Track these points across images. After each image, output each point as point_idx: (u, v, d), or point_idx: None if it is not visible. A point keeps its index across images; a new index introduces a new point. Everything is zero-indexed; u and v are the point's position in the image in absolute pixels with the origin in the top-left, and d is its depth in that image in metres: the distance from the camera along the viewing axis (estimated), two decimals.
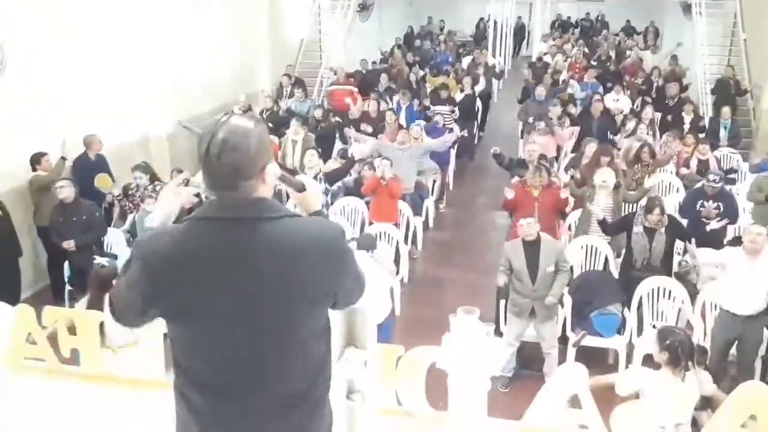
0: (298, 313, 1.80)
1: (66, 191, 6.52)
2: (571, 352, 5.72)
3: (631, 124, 9.29)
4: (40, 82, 7.22)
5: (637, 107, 11.59)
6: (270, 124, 10.04)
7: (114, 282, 4.53)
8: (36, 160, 7.08)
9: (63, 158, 7.26)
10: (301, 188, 2.08)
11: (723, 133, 10.29)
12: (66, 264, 6.57)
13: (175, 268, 1.74)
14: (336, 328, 2.49)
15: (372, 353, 2.60)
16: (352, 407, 2.58)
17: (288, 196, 6.62)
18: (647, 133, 9.22)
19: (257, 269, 1.73)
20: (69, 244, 6.41)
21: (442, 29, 21.61)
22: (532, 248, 5.44)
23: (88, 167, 7.59)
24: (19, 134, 6.91)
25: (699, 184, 7.39)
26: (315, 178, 6.82)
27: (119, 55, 8.66)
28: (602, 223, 6.45)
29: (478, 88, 12.47)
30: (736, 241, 5.98)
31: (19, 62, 6.80)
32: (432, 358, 3.18)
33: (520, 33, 21.64)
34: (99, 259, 5.16)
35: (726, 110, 10.37)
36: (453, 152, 10.50)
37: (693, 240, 5.82)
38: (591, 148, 8.20)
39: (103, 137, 7.88)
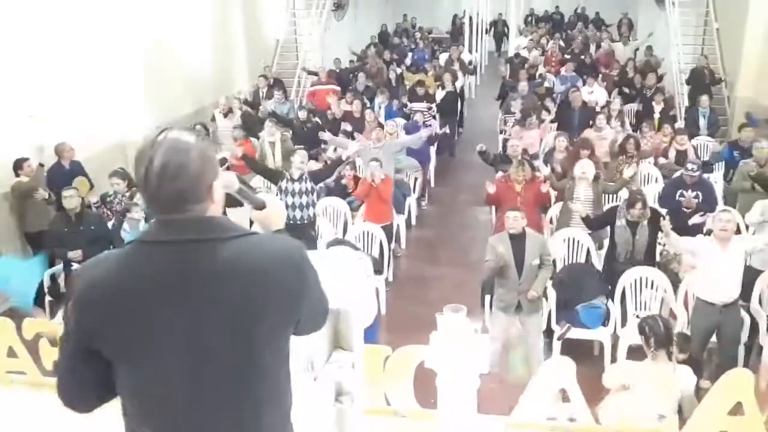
0: (259, 343, 1.62)
1: (74, 201, 6.43)
2: (557, 345, 5.75)
3: (600, 119, 9.32)
4: (17, 86, 7.14)
5: (612, 99, 11.68)
6: (247, 126, 9.99)
7: None
8: (18, 165, 7.03)
9: (41, 165, 7.17)
10: (260, 206, 1.98)
11: (702, 122, 10.38)
12: (47, 275, 6.46)
13: (115, 299, 1.56)
14: (322, 331, 2.48)
15: (359, 355, 2.59)
16: (341, 410, 2.56)
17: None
18: (613, 124, 9.28)
19: (209, 296, 1.57)
20: (76, 254, 6.27)
21: (413, 26, 21.64)
22: (517, 242, 5.45)
23: (61, 175, 7.49)
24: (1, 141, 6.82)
25: (677, 174, 7.45)
26: (300, 178, 6.76)
27: (96, 59, 8.58)
28: (586, 220, 6.48)
29: (459, 83, 12.49)
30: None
31: None
32: (419, 357, 3.17)
33: (501, 29, 21.42)
34: (77, 266, 5.08)
35: (705, 99, 10.47)
36: (433, 149, 10.50)
37: (667, 218, 5.83)
38: (561, 142, 8.25)
39: (81, 143, 7.80)
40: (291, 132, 9.80)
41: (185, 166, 1.56)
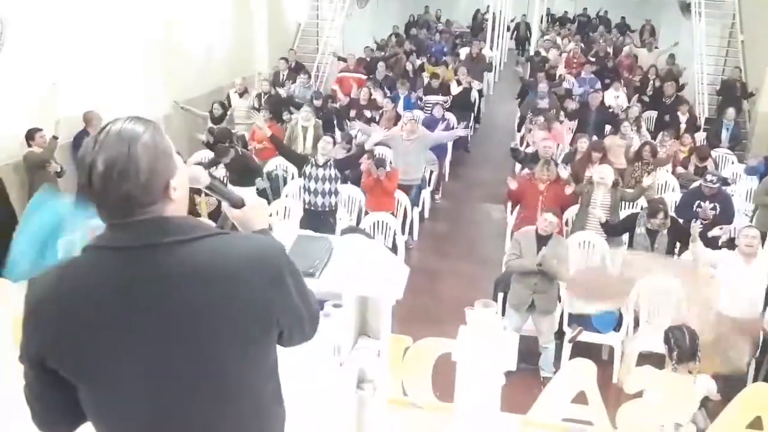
0: (232, 354, 1.45)
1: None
2: (567, 347, 5.73)
3: (626, 125, 9.28)
4: (36, 60, 7.11)
5: (632, 105, 11.63)
6: (267, 108, 9.97)
7: None
8: (30, 136, 6.95)
9: (55, 137, 7.14)
10: (238, 203, 1.78)
11: (725, 135, 10.31)
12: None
13: (61, 314, 1.40)
14: (349, 317, 2.48)
15: (385, 343, 2.58)
16: (363, 397, 2.56)
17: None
18: (632, 131, 9.24)
19: (165, 306, 1.40)
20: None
21: (438, 18, 21.51)
22: (542, 242, 5.47)
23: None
24: (16, 111, 6.79)
25: (696, 184, 7.41)
26: (326, 164, 6.73)
27: (115, 36, 8.53)
28: (605, 226, 6.46)
29: (477, 87, 12.35)
30: (731, 242, 6.01)
31: (17, 39, 6.66)
32: (440, 349, 3.17)
33: (524, 32, 20.56)
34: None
35: (731, 112, 10.38)
36: (450, 144, 10.47)
37: (696, 223, 5.81)
38: (583, 144, 8.22)
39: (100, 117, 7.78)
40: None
41: (132, 167, 1.36)
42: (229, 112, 10.11)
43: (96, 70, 8.04)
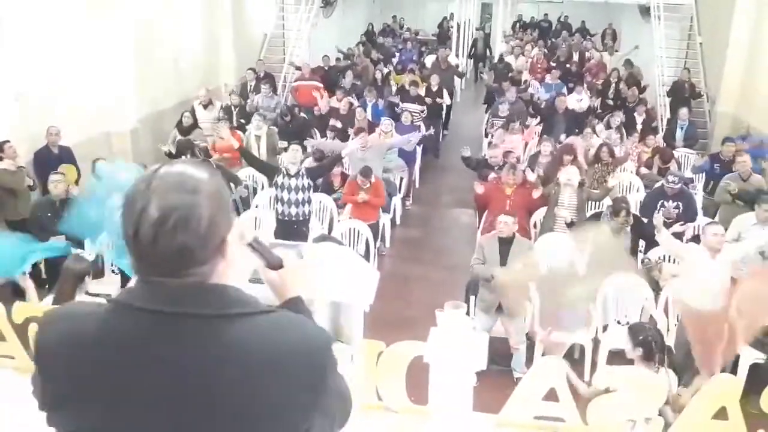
0: None
1: (60, 186, 6.30)
2: (539, 347, 5.80)
3: (600, 128, 9.51)
4: (3, 73, 7.03)
5: (596, 108, 11.86)
6: (242, 120, 9.99)
7: (86, 279, 4.40)
8: None
9: (21, 167, 7.02)
10: (276, 264, 1.60)
11: (679, 134, 10.60)
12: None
13: (84, 366, 1.24)
14: (322, 324, 2.51)
15: (358, 348, 2.61)
16: None
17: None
18: (616, 137, 9.48)
19: (195, 390, 1.21)
20: (59, 239, 6.18)
21: (401, 27, 21.66)
22: (505, 246, 5.53)
23: (49, 159, 7.40)
24: None
25: (659, 184, 7.58)
26: (297, 174, 6.72)
27: (84, 48, 8.49)
28: (570, 225, 6.58)
29: (447, 101, 12.35)
30: (695, 240, 6.16)
31: None
32: (413, 353, 3.20)
33: (483, 50, 19.36)
34: (76, 251, 5.00)
35: (683, 111, 10.69)
36: (419, 150, 10.56)
37: (660, 213, 5.97)
38: (546, 147, 8.38)
39: (66, 130, 7.70)
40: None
41: (193, 217, 1.20)
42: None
43: (61, 84, 7.97)
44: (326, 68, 13.63)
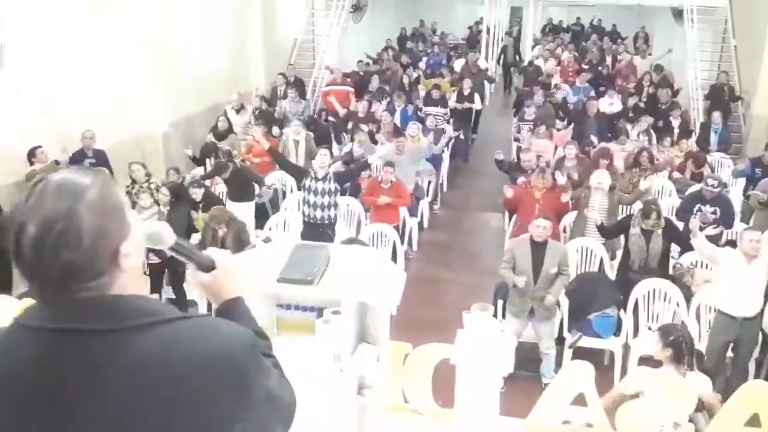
0: None
1: None
2: (568, 353, 5.75)
3: (633, 133, 9.43)
4: (37, 79, 7.21)
5: (628, 111, 11.73)
6: (260, 121, 10.10)
7: None
8: (32, 153, 7.09)
9: (57, 162, 7.19)
10: (207, 266, 1.48)
11: (713, 138, 10.42)
12: None
13: None
14: (348, 324, 2.51)
15: (384, 349, 2.61)
16: (363, 403, 2.59)
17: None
18: (644, 139, 9.37)
19: (91, 412, 1.10)
20: None
21: (434, 31, 21.65)
22: (538, 249, 5.51)
23: (84, 162, 7.56)
24: (17, 130, 6.86)
25: (696, 188, 7.48)
26: (325, 178, 6.76)
27: (113, 56, 8.65)
28: (600, 228, 6.51)
29: (477, 105, 12.32)
30: (731, 245, 6.06)
31: (18, 58, 6.74)
32: (440, 355, 3.21)
33: (513, 58, 19.04)
34: None
35: (716, 115, 10.50)
36: (447, 154, 10.55)
37: (697, 216, 5.90)
38: (571, 150, 8.32)
39: (98, 136, 7.86)
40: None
41: (73, 233, 1.09)
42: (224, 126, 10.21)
43: (94, 89, 8.13)
44: (361, 73, 13.70)
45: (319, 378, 2.45)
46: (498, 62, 18.11)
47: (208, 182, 7.69)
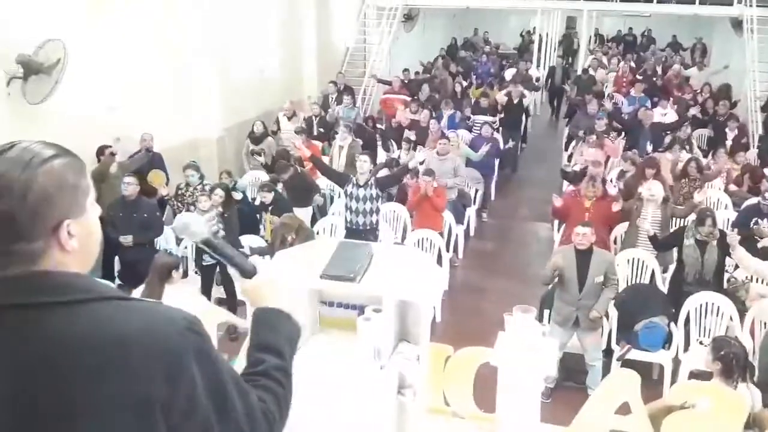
0: None
1: (131, 188, 6.61)
2: (616, 365, 5.63)
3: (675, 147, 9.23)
4: (101, 83, 7.50)
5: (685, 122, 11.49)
6: (321, 129, 10.25)
7: (173, 273, 4.63)
8: (101, 152, 7.37)
9: (113, 154, 7.44)
10: (250, 272, 1.49)
11: None
12: (116, 258, 6.69)
13: None
14: (389, 322, 2.52)
15: (425, 348, 2.62)
16: (403, 402, 2.59)
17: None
18: (681, 149, 9.16)
19: (18, 395, 1.07)
20: (126, 239, 6.44)
21: (486, 41, 21.61)
22: (583, 257, 5.41)
23: (142, 164, 7.82)
24: (85, 130, 7.11)
25: (754, 201, 7.28)
26: (366, 184, 6.82)
27: (172, 60, 8.91)
28: (653, 239, 6.38)
29: (527, 100, 12.40)
30: None
31: (79, 61, 6.99)
32: (481, 359, 3.19)
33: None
34: (165, 246, 5.25)
35: None
36: (496, 163, 10.50)
37: (734, 231, 5.74)
38: (629, 163, 8.18)
39: (157, 137, 8.11)
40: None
41: (23, 184, 1.11)
42: (278, 135, 10.40)
43: (154, 93, 8.40)
44: (407, 81, 13.79)
45: (359, 375, 2.47)
46: (545, 85, 16.89)
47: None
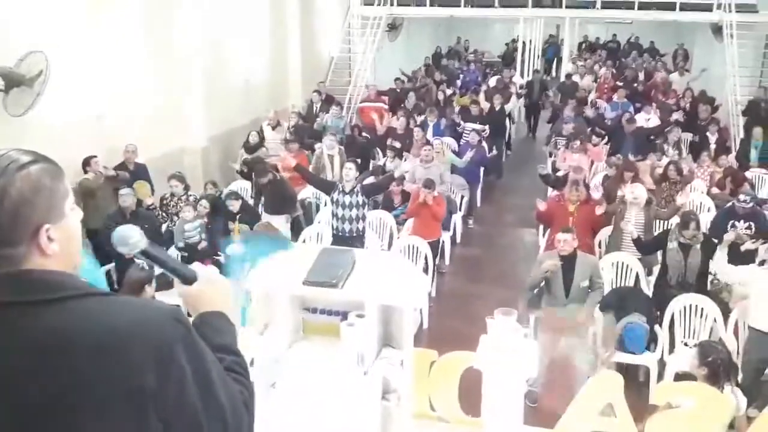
0: None
1: (129, 199, 6.62)
2: (601, 368, 5.65)
3: (666, 148, 9.36)
4: (85, 92, 7.46)
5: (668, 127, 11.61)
6: (300, 139, 10.25)
7: (146, 288, 4.56)
8: (86, 162, 7.31)
9: (100, 172, 7.38)
10: (190, 278, 1.48)
11: (754, 154, 10.23)
12: (112, 268, 6.65)
13: None
14: (372, 327, 2.53)
15: (409, 353, 2.62)
16: (388, 407, 2.60)
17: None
18: (674, 153, 9.27)
19: (9, 390, 1.10)
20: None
21: (466, 49, 21.75)
22: (567, 262, 5.43)
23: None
24: (70, 140, 7.08)
25: (729, 204, 7.34)
26: (352, 191, 6.83)
27: (156, 69, 8.89)
28: (637, 242, 6.42)
29: (509, 106, 12.52)
30: None
31: (61, 71, 6.96)
32: (466, 363, 3.20)
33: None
34: (139, 262, 5.21)
35: (758, 131, 10.32)
36: (481, 170, 10.54)
37: (718, 251, 5.80)
38: (612, 168, 8.28)
39: (142, 147, 8.08)
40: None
41: (1, 189, 1.14)
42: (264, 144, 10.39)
43: (138, 102, 8.37)
44: (398, 90, 13.85)
45: (343, 380, 2.47)
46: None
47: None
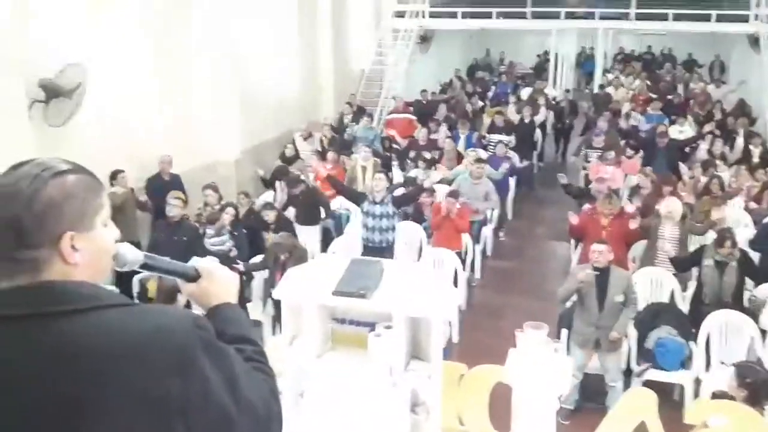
0: None
1: (176, 210, 6.60)
2: (636, 384, 5.55)
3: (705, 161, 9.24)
4: (118, 105, 7.60)
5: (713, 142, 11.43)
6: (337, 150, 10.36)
7: (178, 296, 4.60)
8: (113, 176, 7.37)
9: (132, 189, 7.48)
10: (193, 276, 1.50)
11: None
12: (135, 280, 6.72)
13: None
14: (400, 339, 2.51)
15: (437, 365, 2.60)
16: (417, 421, 2.57)
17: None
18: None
19: (38, 397, 1.09)
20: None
21: (501, 60, 21.69)
22: (601, 276, 5.33)
23: (160, 187, 7.84)
24: (100, 153, 7.21)
25: None
26: (383, 201, 6.84)
27: (190, 83, 9.04)
28: (673, 260, 6.31)
29: (539, 118, 12.45)
30: None
31: (98, 84, 7.11)
32: (496, 377, 3.16)
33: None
34: (143, 273, 5.26)
35: None
36: (512, 182, 10.48)
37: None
38: (646, 179, 8.16)
39: (174, 161, 8.19)
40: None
41: (29, 190, 1.14)
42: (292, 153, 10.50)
43: (173, 115, 8.51)
44: (424, 102, 13.86)
45: (372, 392, 2.45)
46: (553, 126, 14.34)
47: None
